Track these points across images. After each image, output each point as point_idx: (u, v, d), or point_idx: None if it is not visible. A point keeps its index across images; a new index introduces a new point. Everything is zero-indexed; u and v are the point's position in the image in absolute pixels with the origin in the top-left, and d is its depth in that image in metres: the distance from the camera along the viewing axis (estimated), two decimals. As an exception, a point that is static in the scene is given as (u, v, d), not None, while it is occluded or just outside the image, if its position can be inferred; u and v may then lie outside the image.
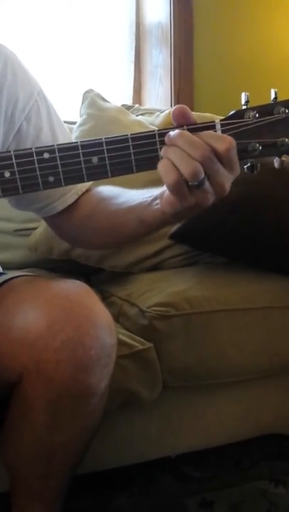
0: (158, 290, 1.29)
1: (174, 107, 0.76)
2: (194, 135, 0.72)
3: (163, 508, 1.20)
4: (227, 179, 0.75)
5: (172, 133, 0.73)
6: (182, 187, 0.72)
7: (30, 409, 0.83)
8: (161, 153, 0.73)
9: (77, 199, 0.96)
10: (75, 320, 0.79)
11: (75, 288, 0.84)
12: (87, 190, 0.97)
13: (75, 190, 0.96)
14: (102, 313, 0.82)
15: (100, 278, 1.54)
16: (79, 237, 1.01)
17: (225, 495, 1.23)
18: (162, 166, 0.73)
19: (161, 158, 0.73)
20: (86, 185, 0.97)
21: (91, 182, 0.97)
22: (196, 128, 0.73)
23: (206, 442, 1.32)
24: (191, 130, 0.73)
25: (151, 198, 0.83)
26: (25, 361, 0.79)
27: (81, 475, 0.96)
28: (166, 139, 0.73)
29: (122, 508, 1.19)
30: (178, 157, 0.71)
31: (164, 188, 0.78)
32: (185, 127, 0.73)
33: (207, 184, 0.73)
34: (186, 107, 0.75)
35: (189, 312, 1.21)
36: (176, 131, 0.73)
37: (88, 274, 1.53)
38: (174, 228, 1.45)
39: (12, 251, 1.54)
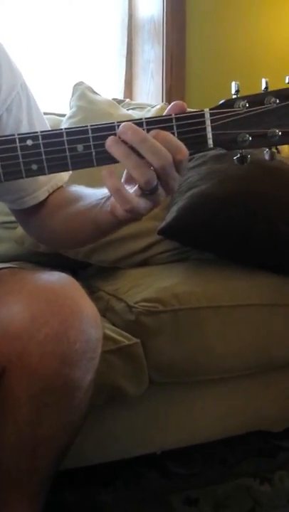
0: (146, 285, 1.28)
1: (174, 102, 0.75)
2: (154, 138, 0.70)
3: (147, 505, 1.19)
4: (177, 182, 0.75)
5: (131, 133, 0.70)
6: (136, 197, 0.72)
7: (13, 403, 0.81)
8: (115, 154, 0.71)
9: (48, 196, 0.95)
10: (60, 313, 0.77)
11: (60, 280, 0.83)
12: (59, 188, 0.96)
13: (47, 187, 0.95)
14: (87, 306, 0.81)
15: (87, 273, 1.53)
16: (41, 235, 1.01)
17: (209, 492, 1.23)
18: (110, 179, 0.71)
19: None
20: (59, 183, 0.96)
21: (66, 180, 0.96)
22: (184, 117, 0.72)
23: (191, 438, 1.31)
24: (178, 119, 0.72)
25: (104, 199, 0.81)
26: (9, 354, 0.78)
27: (65, 470, 0.95)
28: (124, 135, 0.70)
29: (106, 504, 1.18)
30: (134, 164, 0.70)
31: None
32: (173, 115, 0.72)
33: (160, 189, 0.73)
34: (185, 104, 0.74)
35: (177, 308, 1.20)
36: (139, 133, 0.70)
37: (75, 268, 1.52)
38: (163, 224, 1.44)
39: (-2, 244, 1.53)
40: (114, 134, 0.71)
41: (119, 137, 0.71)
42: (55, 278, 0.84)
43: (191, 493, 1.22)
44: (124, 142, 0.71)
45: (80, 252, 1.48)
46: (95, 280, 1.44)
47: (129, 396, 1.15)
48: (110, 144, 0.71)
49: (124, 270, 1.46)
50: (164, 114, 0.74)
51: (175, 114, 0.72)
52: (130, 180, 0.76)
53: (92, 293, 1.35)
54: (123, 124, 0.71)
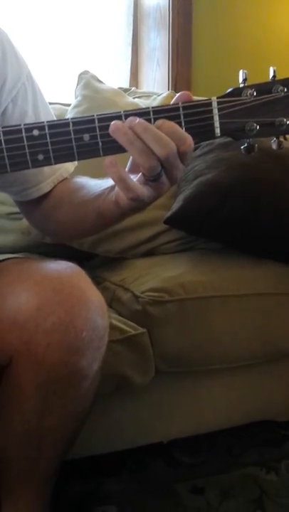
0: (152, 275, 1.28)
1: (180, 92, 0.75)
2: (158, 128, 0.71)
3: (153, 494, 1.20)
4: (181, 172, 0.75)
5: (137, 123, 0.71)
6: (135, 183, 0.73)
7: (20, 393, 0.82)
8: (119, 139, 0.71)
9: (52, 188, 0.95)
10: (67, 302, 0.77)
11: (66, 269, 0.83)
12: (64, 180, 0.96)
13: (52, 179, 0.95)
14: (94, 295, 0.81)
15: (93, 263, 1.53)
16: (46, 227, 1.01)
17: (216, 481, 1.23)
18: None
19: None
20: (64, 174, 0.96)
21: (71, 171, 0.96)
22: (191, 106, 0.72)
23: (197, 428, 1.32)
24: (185, 108, 0.72)
25: (108, 189, 0.81)
26: (15, 343, 0.78)
27: (71, 460, 0.95)
28: (129, 126, 0.70)
29: (112, 494, 1.18)
30: (138, 150, 0.71)
31: None
32: (180, 104, 0.72)
33: (164, 177, 0.74)
34: (191, 95, 0.74)
35: (183, 297, 1.20)
36: (143, 123, 0.71)
37: (81, 259, 1.51)
38: (169, 213, 1.43)
39: (4, 234, 1.52)
40: None
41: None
42: (62, 267, 0.84)
43: (197, 482, 1.22)
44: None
45: (85, 242, 1.47)
46: (101, 271, 1.44)
47: (136, 385, 1.15)
48: (114, 129, 0.71)
49: (130, 260, 1.46)
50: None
51: (182, 103, 0.72)
52: (134, 169, 0.76)
53: (98, 283, 1.34)
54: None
